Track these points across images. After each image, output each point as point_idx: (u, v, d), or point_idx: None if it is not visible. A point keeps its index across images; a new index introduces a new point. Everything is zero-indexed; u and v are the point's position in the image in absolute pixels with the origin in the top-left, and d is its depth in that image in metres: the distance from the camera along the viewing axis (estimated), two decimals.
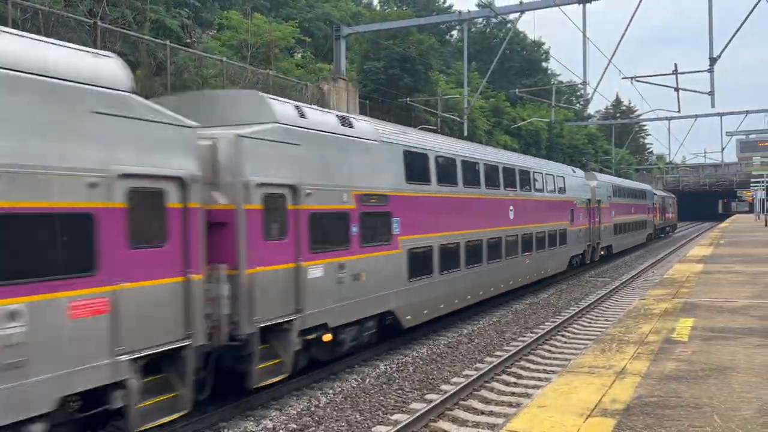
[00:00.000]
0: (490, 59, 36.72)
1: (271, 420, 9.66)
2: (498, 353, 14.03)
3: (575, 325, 17.28)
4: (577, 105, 65.75)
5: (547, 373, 12.52)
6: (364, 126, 13.14)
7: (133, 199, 7.57)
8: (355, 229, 12.02)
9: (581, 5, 23.88)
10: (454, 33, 64.94)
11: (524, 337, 15.81)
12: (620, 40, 24.60)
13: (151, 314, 7.73)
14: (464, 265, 16.64)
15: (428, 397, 10.84)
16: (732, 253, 23.80)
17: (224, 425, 9.46)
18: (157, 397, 7.98)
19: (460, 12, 29.66)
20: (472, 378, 11.45)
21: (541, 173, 23.70)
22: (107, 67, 7.63)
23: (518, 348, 13.95)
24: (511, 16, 29.42)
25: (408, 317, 13.94)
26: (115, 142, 7.40)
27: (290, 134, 10.55)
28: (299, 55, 33.89)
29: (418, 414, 9.49)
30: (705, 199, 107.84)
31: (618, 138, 74.91)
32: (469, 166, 17.52)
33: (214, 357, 9.05)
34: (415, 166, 14.64)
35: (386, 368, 12.64)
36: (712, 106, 25.82)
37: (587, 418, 5.63)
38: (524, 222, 21.03)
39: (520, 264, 20.81)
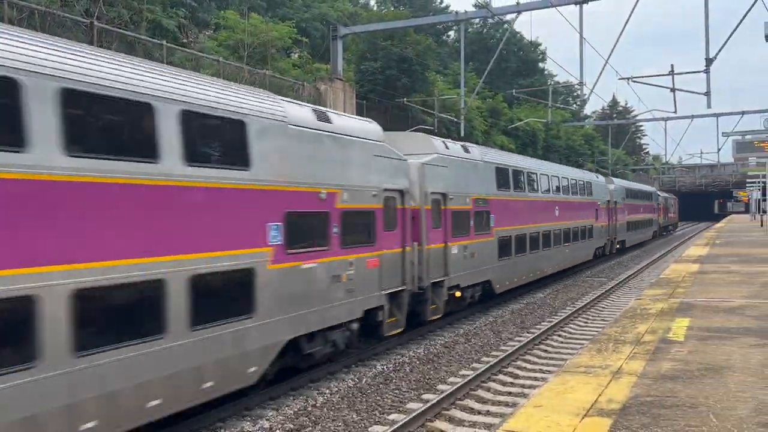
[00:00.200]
0: (487, 59, 36.74)
1: (267, 420, 9.66)
2: (495, 353, 14.04)
3: (571, 325, 17.30)
4: (574, 105, 65.86)
5: (544, 373, 12.53)
6: (475, 150, 18.91)
7: (386, 202, 13.03)
8: (471, 222, 17.43)
9: (578, 6, 23.95)
10: (451, 33, 64.97)
11: (521, 337, 15.82)
12: (617, 41, 24.70)
13: (391, 268, 13.23)
14: (529, 251, 21.81)
15: (425, 396, 10.85)
16: (728, 253, 23.86)
17: (221, 425, 9.45)
18: (389, 318, 13.29)
19: (457, 12, 29.68)
20: (468, 378, 11.46)
21: (576, 180, 28.96)
22: (376, 129, 13.29)
23: (515, 348, 13.97)
24: (508, 17, 29.45)
25: (497, 286, 19.13)
26: (380, 171, 12.91)
27: (442, 160, 16.16)
28: (296, 55, 33.89)
29: (414, 414, 9.50)
30: (701, 200, 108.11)
31: (614, 138, 75.13)
32: (531, 176, 23.05)
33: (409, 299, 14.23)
34: (501, 177, 19.91)
35: (383, 368, 12.65)
36: (708, 106, 25.90)
37: (583, 418, 5.64)
38: (565, 219, 26.14)
39: (563, 252, 25.85)
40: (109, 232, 7.29)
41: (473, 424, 9.59)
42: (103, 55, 7.85)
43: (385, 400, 10.71)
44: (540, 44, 73.30)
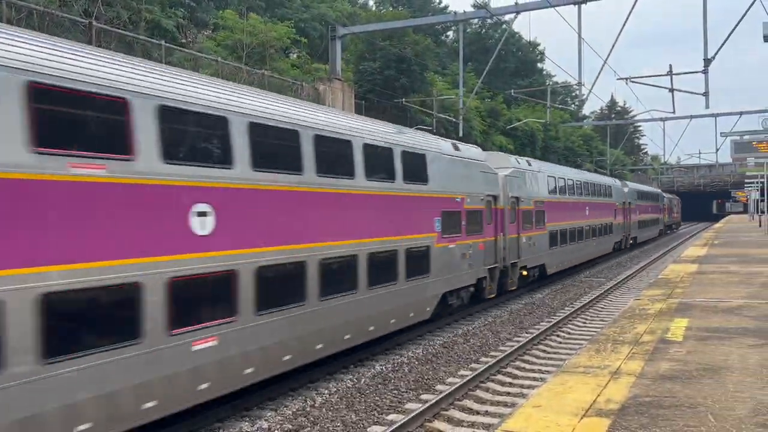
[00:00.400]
0: (486, 60, 36.74)
1: (266, 420, 9.66)
2: (493, 353, 14.04)
3: (570, 326, 17.30)
4: (573, 106, 65.86)
5: (542, 373, 12.53)
6: (535, 164, 24.73)
7: (487, 204, 18.05)
8: (534, 219, 22.48)
9: (576, 6, 23.96)
10: (450, 34, 64.96)
11: (519, 337, 15.83)
12: (615, 41, 24.71)
13: (490, 251, 18.29)
14: (569, 242, 27.05)
15: (424, 397, 10.85)
16: (726, 253, 23.88)
17: (220, 425, 9.45)
18: (488, 286, 18.59)
19: (455, 12, 29.68)
20: (467, 378, 11.46)
21: (600, 184, 34.50)
22: (480, 152, 19.11)
23: (513, 348, 13.97)
24: (507, 17, 29.45)
25: (548, 268, 24.41)
26: (484, 182, 18.01)
27: (516, 173, 21.32)
28: (295, 56, 33.87)
29: (413, 414, 9.50)
30: (700, 200, 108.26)
31: (613, 138, 75.18)
32: (569, 182, 28.43)
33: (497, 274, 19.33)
34: (551, 184, 25.30)
35: (382, 368, 12.64)
36: (707, 106, 25.93)
37: (582, 418, 5.64)
38: (593, 217, 31.48)
39: (591, 244, 31.29)
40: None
41: (472, 425, 9.59)
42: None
43: (384, 400, 10.70)
44: (538, 44, 73.38)
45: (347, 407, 10.29)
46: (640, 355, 7.93)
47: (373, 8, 56.26)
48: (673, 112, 34.03)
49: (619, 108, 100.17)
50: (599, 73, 28.47)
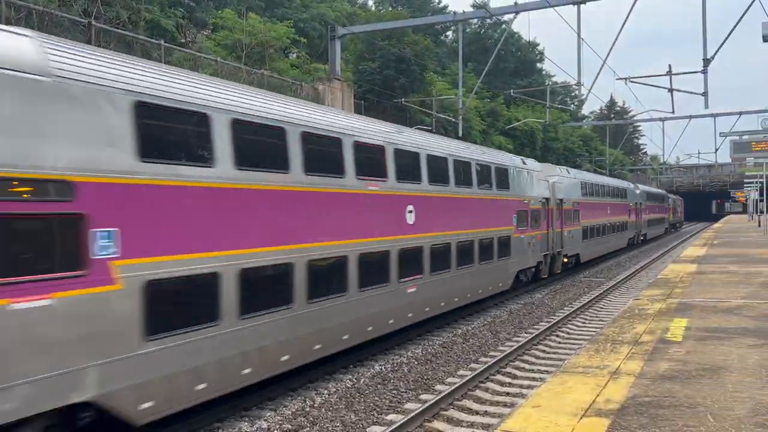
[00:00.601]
0: (485, 60, 36.73)
1: (265, 420, 9.65)
2: (493, 353, 14.04)
3: (570, 326, 17.30)
4: (572, 106, 65.90)
5: (542, 373, 12.53)
6: (572, 172, 30.26)
7: (543, 204, 23.30)
8: (572, 216, 27.38)
9: (576, 6, 23.97)
10: (449, 33, 64.99)
11: (519, 337, 15.82)
12: (614, 41, 24.70)
13: (544, 241, 23.45)
14: (596, 236, 32.27)
15: (423, 397, 10.85)
16: (726, 253, 23.90)
17: (219, 425, 9.45)
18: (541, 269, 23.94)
19: (455, 12, 29.70)
20: (466, 378, 11.46)
21: (618, 187, 40.12)
22: (537, 164, 24.47)
23: (513, 348, 13.96)
24: (506, 17, 29.45)
25: (582, 257, 29.55)
26: (540, 187, 23.16)
27: (560, 179, 26.23)
28: (294, 56, 33.86)
29: (412, 414, 9.49)
30: (699, 200, 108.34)
31: (612, 139, 75.18)
32: (596, 186, 33.59)
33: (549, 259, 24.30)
34: (584, 188, 30.64)
35: (381, 368, 12.64)
36: (706, 106, 25.94)
37: (581, 418, 5.64)
38: (613, 216, 36.80)
39: (612, 239, 36.61)
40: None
41: (471, 425, 9.59)
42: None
43: (383, 400, 10.70)
44: (538, 44, 73.44)
45: (347, 407, 10.28)
46: (639, 355, 7.93)
47: (373, 8, 56.29)
48: (673, 112, 34.04)
49: (618, 108, 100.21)
50: (598, 73, 28.52)
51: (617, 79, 30.58)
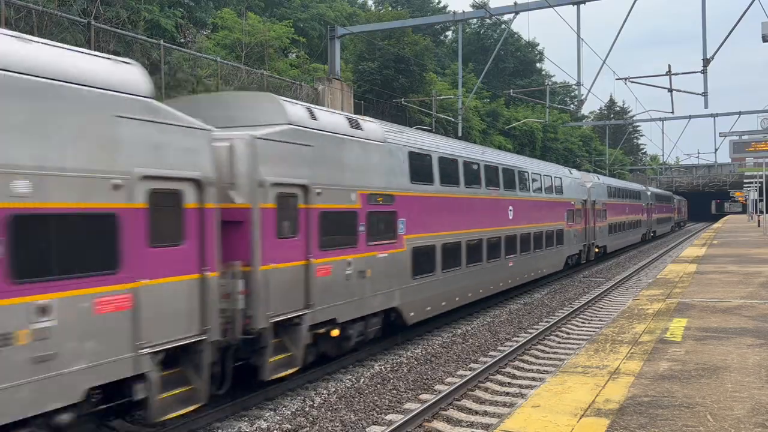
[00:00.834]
0: (485, 60, 36.74)
1: (265, 420, 9.65)
2: (492, 353, 14.04)
3: (569, 326, 17.31)
4: (572, 106, 65.92)
5: (541, 373, 12.54)
6: (601, 178, 35.14)
7: (582, 205, 29.95)
8: (601, 214, 32.42)
9: (575, 6, 23.97)
10: (449, 33, 64.99)
11: (518, 337, 15.83)
12: (614, 41, 24.71)
13: (582, 233, 29.60)
14: (618, 231, 37.83)
15: (422, 397, 10.85)
16: (725, 253, 23.91)
17: (218, 425, 9.44)
18: (581, 256, 30.73)
19: (454, 12, 29.69)
20: (466, 378, 11.46)
21: (634, 190, 46.06)
22: (578, 172, 32.63)
23: (512, 348, 13.97)
24: (506, 17, 29.45)
25: (609, 249, 35.40)
26: (581, 191, 29.90)
27: (593, 184, 32.51)
28: (294, 56, 33.85)
29: (412, 414, 9.49)
30: (698, 200, 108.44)
31: (612, 139, 75.20)
32: (618, 189, 39.55)
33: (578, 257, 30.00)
34: (609, 191, 36.47)
35: (381, 368, 12.64)
36: (706, 107, 25.96)
37: (581, 418, 5.64)
38: (630, 214, 42.44)
39: (630, 234, 42.64)
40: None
41: (471, 425, 9.59)
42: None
43: (383, 400, 10.70)
44: (537, 44, 73.42)
45: (346, 407, 10.28)
46: (638, 355, 7.94)
47: (373, 8, 56.26)
48: (672, 112, 34.03)
49: (618, 108, 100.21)
50: (598, 73, 28.49)
51: (617, 79, 30.59)
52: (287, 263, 10.23)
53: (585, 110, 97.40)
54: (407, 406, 10.37)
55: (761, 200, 57.18)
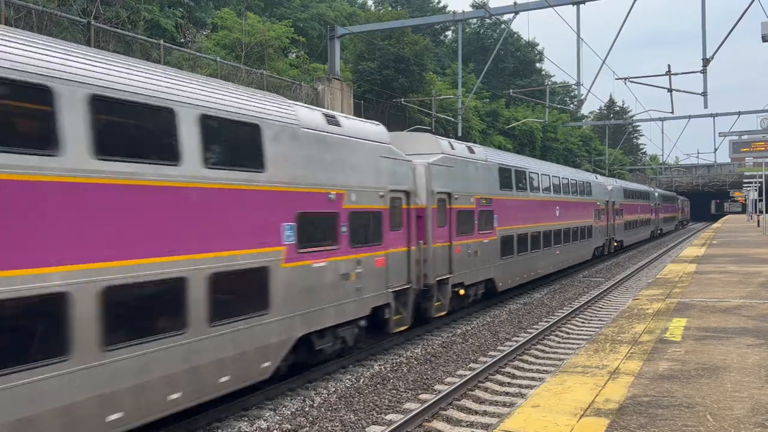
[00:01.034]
0: (485, 59, 36.74)
1: (265, 420, 9.65)
2: (492, 353, 14.04)
3: (569, 325, 17.31)
4: (571, 106, 65.93)
5: (541, 372, 12.54)
6: (618, 182, 41.85)
7: (605, 204, 34.78)
8: (619, 212, 37.90)
9: (575, 6, 23.98)
10: (449, 33, 64.97)
11: (518, 337, 15.83)
12: (614, 42, 24.71)
13: (603, 230, 34.72)
14: (631, 228, 42.21)
15: (422, 397, 10.85)
16: (725, 253, 23.91)
17: (218, 425, 9.45)
18: (604, 247, 36.34)
19: (454, 12, 29.68)
20: (466, 378, 11.46)
21: (645, 191, 50.44)
22: (603, 177, 38.85)
23: (512, 348, 13.97)
24: (506, 17, 29.45)
25: (625, 243, 40.40)
26: (603, 193, 34.68)
27: (614, 187, 37.43)
28: (293, 55, 33.85)
29: (412, 414, 9.50)
30: (698, 200, 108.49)
31: (611, 138, 75.17)
32: (631, 191, 44.05)
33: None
34: (625, 193, 40.72)
35: (380, 368, 12.64)
36: (705, 106, 25.97)
37: (581, 418, 5.64)
38: (641, 213, 46.98)
39: (641, 231, 47.12)
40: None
41: (471, 424, 9.59)
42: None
43: (383, 400, 10.70)
44: (537, 44, 73.39)
45: (346, 407, 10.29)
46: (638, 354, 7.94)
47: (372, 8, 56.24)
48: (672, 112, 34.05)
49: (617, 108, 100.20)
50: (598, 73, 28.51)
51: (617, 79, 30.59)
52: (442, 243, 15.78)
53: (585, 110, 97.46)
54: (407, 405, 10.37)
55: (761, 200, 57.23)
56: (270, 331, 9.46)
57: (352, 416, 9.86)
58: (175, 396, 7.85)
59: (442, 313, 15.88)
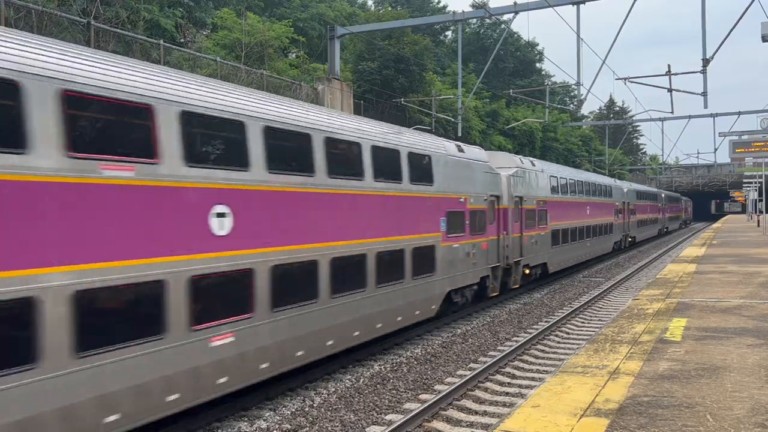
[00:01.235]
0: (485, 60, 36.74)
1: (265, 420, 9.65)
2: (492, 353, 14.04)
3: (569, 325, 17.31)
4: (571, 106, 65.94)
5: (541, 373, 12.53)
6: (633, 185, 48.39)
7: (623, 204, 40.56)
8: (632, 212, 43.86)
9: (575, 6, 23.98)
10: (449, 33, 64.97)
11: (518, 337, 15.82)
12: (614, 41, 24.72)
13: (623, 226, 39.99)
14: (642, 226, 46.88)
15: (422, 397, 10.85)
16: (725, 253, 23.91)
17: (218, 425, 9.44)
18: (622, 242, 41.64)
19: (454, 12, 29.70)
20: (466, 378, 11.46)
21: (654, 193, 55.63)
22: (625, 182, 49.55)
23: (512, 348, 13.96)
24: (506, 17, 29.46)
25: (638, 239, 46.24)
26: (622, 196, 41.13)
27: (629, 189, 43.95)
28: (293, 55, 33.85)
29: (412, 414, 9.49)
30: (698, 200, 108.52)
31: (611, 139, 75.18)
32: (643, 193, 49.16)
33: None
34: (637, 195, 46.26)
35: (380, 368, 12.64)
36: (705, 106, 25.98)
37: (580, 418, 5.64)
38: (651, 213, 52.00)
39: (650, 228, 51.73)
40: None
41: (471, 425, 9.59)
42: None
43: (383, 400, 10.70)
44: (537, 44, 73.40)
45: (346, 407, 10.28)
46: (638, 354, 7.93)
47: (372, 8, 56.24)
48: (672, 112, 34.06)
49: (617, 108, 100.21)
50: (598, 73, 28.52)
51: (616, 79, 30.60)
52: (516, 234, 20.76)
53: (585, 110, 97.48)
54: (407, 406, 10.37)
55: (761, 200, 57.24)
56: (436, 286, 14.99)
57: (352, 416, 9.86)
58: (398, 318, 13.47)
59: (516, 286, 21.08)
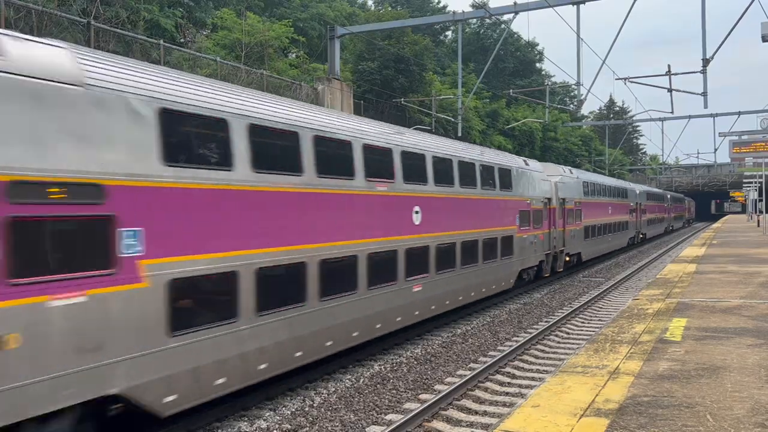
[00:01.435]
0: (485, 60, 36.75)
1: (265, 420, 9.65)
2: (492, 353, 14.04)
3: (569, 325, 17.31)
4: (571, 106, 65.94)
5: (541, 373, 12.54)
6: (644, 186, 56.04)
7: (636, 205, 45.32)
8: (642, 212, 48.99)
9: (575, 6, 23.99)
10: (449, 33, 64.98)
11: (518, 337, 15.83)
12: (614, 41, 24.72)
13: (635, 223, 45.03)
14: (651, 224, 52.01)
15: (422, 397, 10.85)
16: (725, 253, 23.91)
17: (218, 425, 9.44)
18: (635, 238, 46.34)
19: (454, 12, 29.70)
20: (466, 378, 11.46)
21: (660, 194, 59.77)
22: (641, 186, 54.85)
23: (512, 348, 13.96)
24: (506, 17, 29.47)
25: (648, 236, 51.19)
26: (635, 197, 45.48)
27: (641, 191, 48.34)
28: (293, 55, 33.85)
29: (412, 414, 9.49)
30: (698, 200, 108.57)
31: (611, 139, 75.19)
32: (651, 193, 54.14)
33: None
34: (647, 196, 51.88)
35: (380, 368, 12.64)
36: (705, 106, 25.97)
37: (580, 418, 5.64)
38: (658, 212, 56.52)
39: (657, 227, 56.12)
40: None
41: (471, 425, 9.59)
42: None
43: (383, 400, 10.70)
44: (537, 44, 73.41)
45: (346, 407, 10.28)
46: (638, 354, 7.94)
47: (372, 8, 56.24)
48: (672, 113, 34.06)
49: (617, 108, 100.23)
50: (598, 73, 28.50)
51: (616, 79, 30.60)
52: (560, 229, 25.30)
53: (585, 110, 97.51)
54: (407, 405, 10.37)
55: (761, 200, 57.26)
56: (513, 264, 20.03)
57: (352, 416, 9.86)
58: (493, 287, 18.59)
59: (560, 270, 26.19)
